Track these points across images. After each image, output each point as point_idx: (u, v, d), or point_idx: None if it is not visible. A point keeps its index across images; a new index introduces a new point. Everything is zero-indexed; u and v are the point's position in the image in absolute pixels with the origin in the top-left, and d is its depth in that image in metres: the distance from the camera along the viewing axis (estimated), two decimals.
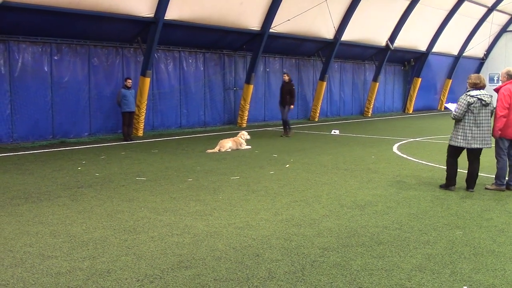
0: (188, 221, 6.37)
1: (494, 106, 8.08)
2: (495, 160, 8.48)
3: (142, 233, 5.85)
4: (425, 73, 30.15)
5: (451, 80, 32.90)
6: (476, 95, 7.94)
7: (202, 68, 19.41)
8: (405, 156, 12.26)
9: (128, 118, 15.26)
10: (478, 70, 35.05)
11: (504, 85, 8.23)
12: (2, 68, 14.06)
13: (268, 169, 10.31)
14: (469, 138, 8.03)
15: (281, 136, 16.13)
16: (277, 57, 22.49)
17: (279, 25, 19.85)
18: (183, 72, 18.72)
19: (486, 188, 8.41)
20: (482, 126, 7.98)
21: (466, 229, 6.11)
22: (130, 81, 15.24)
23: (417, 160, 11.52)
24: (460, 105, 8.04)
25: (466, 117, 8.03)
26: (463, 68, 33.09)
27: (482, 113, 7.94)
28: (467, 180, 8.31)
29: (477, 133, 7.98)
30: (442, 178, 9.12)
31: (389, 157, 12.02)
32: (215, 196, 7.79)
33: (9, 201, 7.44)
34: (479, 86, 8.08)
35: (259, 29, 19.50)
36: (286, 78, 16.61)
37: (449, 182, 8.36)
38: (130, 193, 8.00)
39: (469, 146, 8.06)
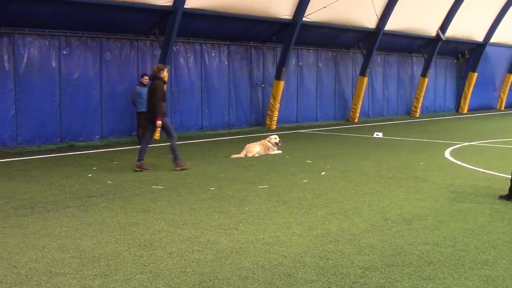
0: (210, 235, 6.39)
1: None
2: None
3: (159, 249, 5.89)
4: (482, 67, 29.68)
5: None
6: None
7: (226, 63, 19.51)
8: (459, 162, 12.07)
9: (144, 119, 15.37)
10: None
11: None
12: (6, 64, 14.41)
13: (301, 177, 10.28)
14: None
15: None
16: (311, 50, 22.45)
17: (313, 13, 19.81)
18: (205, 67, 18.86)
19: None
20: None
21: None
22: (146, 77, 15.32)
23: (473, 167, 11.33)
24: None
25: None
26: None
27: None
28: None
29: None
30: (502, 188, 8.94)
31: (440, 164, 11.85)
32: (241, 207, 7.81)
33: (13, 211, 7.61)
34: None
35: (290, 17, 19.50)
36: None
37: None
38: (146, 203, 8.08)
39: None
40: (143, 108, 15.17)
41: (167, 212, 7.51)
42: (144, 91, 15.21)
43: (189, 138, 16.88)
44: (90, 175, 10.52)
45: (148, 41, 17.27)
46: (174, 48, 17.36)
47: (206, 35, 18.62)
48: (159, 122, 11.01)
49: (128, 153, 13.66)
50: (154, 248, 5.90)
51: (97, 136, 16.18)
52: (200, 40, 18.61)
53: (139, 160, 11.10)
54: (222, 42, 19.30)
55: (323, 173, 10.69)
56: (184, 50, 18.30)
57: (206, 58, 18.90)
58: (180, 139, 16.54)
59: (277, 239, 6.25)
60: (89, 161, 12.40)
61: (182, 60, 18.24)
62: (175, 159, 11.19)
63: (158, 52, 17.08)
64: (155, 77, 11.19)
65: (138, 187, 9.26)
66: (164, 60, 16.49)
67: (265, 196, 8.56)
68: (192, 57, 18.50)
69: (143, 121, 15.13)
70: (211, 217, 7.25)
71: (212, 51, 19.07)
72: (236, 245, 6.02)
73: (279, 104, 20.43)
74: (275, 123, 20.51)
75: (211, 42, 18.96)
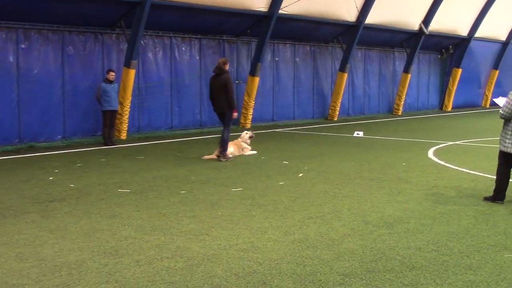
0: (180, 241, 6.38)
1: None
2: None
3: (125, 256, 5.86)
4: (466, 62, 30.12)
5: (498, 71, 32.82)
6: None
7: (197, 57, 19.47)
8: (443, 162, 12.24)
9: (110, 118, 15.32)
10: None
11: None
12: None
13: (277, 179, 10.31)
14: None
15: None
16: (288, 44, 22.52)
17: (290, 5, 19.89)
18: (175, 62, 18.79)
19: None
20: None
21: None
22: (113, 73, 15.34)
23: (457, 168, 11.49)
24: (509, 102, 8.03)
25: None
26: None
27: None
28: None
29: None
30: (487, 189, 9.10)
31: (423, 164, 12.00)
32: (213, 211, 7.80)
33: None
34: None
35: (266, 10, 19.55)
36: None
37: (497, 195, 8.35)
38: (111, 208, 8.03)
39: None
40: (109, 106, 15.16)
41: (134, 217, 7.46)
42: (110, 88, 15.19)
43: (158, 138, 16.81)
44: (51, 178, 10.41)
45: (114, 35, 17.14)
46: (142, 42, 17.25)
47: (176, 28, 18.55)
48: (235, 114, 12.61)
49: (92, 155, 13.54)
50: (120, 256, 5.87)
51: (59, 136, 16.00)
52: (169, 33, 18.53)
53: (223, 151, 12.49)
54: (193, 36, 19.25)
55: (301, 174, 10.73)
56: (153, 44, 18.21)
57: (176, 53, 18.83)
58: (148, 139, 16.52)
59: (252, 245, 6.26)
60: (50, 163, 12.26)
61: (150, 55, 18.14)
62: (223, 150, 12.51)
63: (124, 46, 16.96)
64: (222, 71, 12.33)
65: (103, 191, 9.20)
66: (131, 55, 16.38)
67: (239, 199, 8.57)
68: (161, 52, 18.42)
69: (109, 120, 15.09)
70: (181, 222, 7.23)
71: (183, 45, 19.01)
72: (208, 251, 6.01)
73: (254, 102, 20.46)
74: (250, 122, 20.53)
75: (181, 35, 18.89)
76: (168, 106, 18.68)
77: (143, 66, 17.86)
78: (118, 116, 16.26)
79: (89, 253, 5.96)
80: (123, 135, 16.68)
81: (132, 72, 16.64)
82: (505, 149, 8.18)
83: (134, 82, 17.03)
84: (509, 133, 8.13)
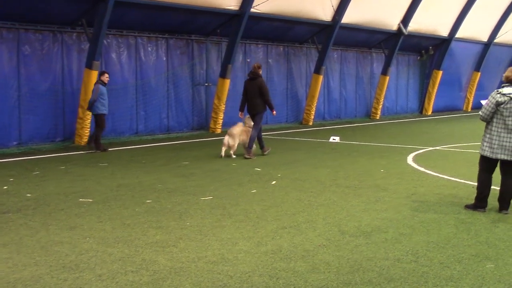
0: (146, 254, 6.34)
1: None
2: None
3: (86, 271, 5.80)
4: (447, 64, 30.55)
5: (479, 73, 33.36)
6: (510, 93, 8.04)
7: (164, 58, 19.42)
8: (422, 169, 12.38)
9: (105, 122, 15.29)
10: None
11: None
12: None
13: (248, 187, 10.32)
14: (495, 146, 8.16)
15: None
16: (260, 44, 22.60)
17: (262, 4, 19.96)
18: (140, 64, 18.71)
19: None
20: None
21: (499, 261, 6.18)
22: (108, 75, 15.46)
23: (437, 174, 11.64)
24: (487, 104, 8.18)
25: (495, 120, 8.17)
26: (495, 58, 33.59)
27: None
28: (499, 199, 8.42)
29: (507, 141, 8.08)
30: (468, 196, 9.23)
31: (402, 171, 12.12)
32: (181, 222, 7.78)
33: None
34: None
35: (237, 8, 19.59)
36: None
37: (479, 203, 8.46)
38: (72, 219, 7.95)
39: (494, 156, 8.20)
40: (105, 110, 15.09)
41: (96, 229, 7.40)
42: (106, 90, 15.17)
43: (122, 144, 16.69)
44: (5, 187, 10.27)
45: (75, 33, 17.01)
46: (104, 41, 17.15)
47: (142, 27, 18.49)
48: (275, 112, 14.57)
49: (51, 162, 13.40)
50: (81, 270, 5.81)
51: (14, 143, 15.79)
52: (134, 32, 18.47)
53: (249, 148, 13.94)
54: (160, 35, 19.20)
55: (274, 182, 10.76)
56: (117, 44, 18.12)
57: (142, 53, 18.75)
58: (112, 145, 16.40)
59: (222, 257, 6.25)
60: (4, 171, 12.09)
61: (114, 56, 18.04)
62: (249, 147, 13.96)
63: (86, 46, 16.84)
64: (256, 75, 14.18)
65: (63, 201, 9.10)
66: (93, 55, 16.26)
67: (208, 209, 8.55)
68: (125, 52, 18.33)
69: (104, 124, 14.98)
70: (147, 233, 7.19)
71: (149, 45, 18.95)
72: (175, 264, 5.99)
73: (224, 106, 20.45)
74: (220, 127, 20.51)
75: (147, 35, 18.83)
76: (133, 110, 18.58)
77: (106, 67, 17.73)
78: (79, 120, 16.13)
79: (46, 268, 5.88)
80: (85, 141, 16.51)
81: (95, 74, 16.49)
82: (483, 153, 8.33)
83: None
84: (487, 136, 8.27)
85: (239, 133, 14.15)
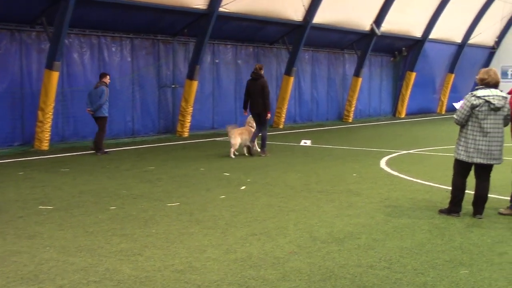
0: (109, 263, 6.29)
1: (508, 109, 8.29)
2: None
3: (46, 282, 5.73)
4: (421, 66, 30.90)
5: (453, 75, 33.82)
6: (484, 95, 8.17)
7: (129, 59, 19.30)
8: (396, 173, 12.50)
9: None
10: (487, 62, 36.18)
11: None
12: None
13: (217, 192, 10.31)
14: (471, 150, 8.27)
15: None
16: (229, 45, 22.59)
17: (231, 3, 19.97)
18: (104, 64, 18.56)
19: (499, 213, 8.64)
20: (490, 136, 8.20)
21: (474, 267, 6.27)
22: (109, 77, 15.84)
23: (411, 179, 11.76)
24: (462, 107, 8.30)
25: (470, 123, 8.28)
26: (468, 60, 34.08)
27: (490, 118, 8.17)
28: (474, 204, 8.54)
29: (482, 145, 8.21)
30: (442, 201, 9.35)
31: (375, 175, 12.22)
32: (146, 229, 7.73)
33: None
34: (488, 82, 8.31)
35: (205, 7, 19.56)
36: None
37: (453, 207, 8.57)
38: (31, 227, 7.85)
39: (469, 160, 8.32)
40: (107, 112, 15.55)
41: (57, 237, 7.32)
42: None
43: (85, 149, 16.51)
44: None
45: (34, 33, 16.81)
46: (66, 41, 16.98)
47: (105, 26, 18.35)
48: (269, 115, 15.16)
49: (8, 167, 13.22)
50: (40, 281, 5.74)
51: None
52: (98, 32, 18.31)
53: (263, 147, 15.15)
54: (125, 35, 19.07)
55: (243, 187, 10.76)
56: (79, 43, 17.95)
57: (105, 54, 18.61)
58: (74, 149, 16.24)
59: (189, 265, 6.23)
60: None
61: (76, 56, 17.87)
62: (263, 146, 15.19)
63: (46, 46, 16.64)
64: (259, 76, 15.11)
65: (22, 208, 8.98)
66: (54, 55, 16.08)
67: (175, 215, 8.52)
68: (88, 52, 18.17)
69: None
70: (110, 241, 7.14)
71: (113, 45, 18.81)
72: (140, 273, 5.96)
73: (192, 108, 20.39)
74: (188, 130, 20.45)
75: (111, 34, 18.69)
76: None
77: (67, 68, 17.57)
78: (39, 124, 15.95)
79: (3, 279, 5.80)
80: (45, 145, 16.33)
81: (55, 75, 16.33)
82: (458, 157, 8.44)
83: (58, 86, 16.72)
84: (463, 139, 8.38)
85: (239, 132, 15.10)
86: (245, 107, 15.54)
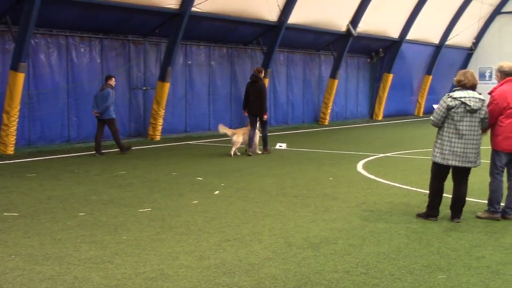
0: (78, 271, 6.25)
1: (485, 112, 8.40)
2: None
3: None
4: (398, 67, 31.16)
5: (431, 77, 34.17)
6: (461, 97, 8.28)
7: (98, 60, 19.19)
8: (372, 177, 12.58)
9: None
10: (465, 63, 36.63)
11: (499, 86, 8.59)
12: None
13: (190, 197, 10.29)
14: (446, 152, 8.38)
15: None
16: (202, 46, 22.58)
17: (204, 3, 19.96)
18: (72, 65, 18.44)
19: (477, 217, 8.75)
20: (466, 138, 8.31)
21: (451, 271, 6.34)
22: (114, 79, 16.52)
23: (388, 182, 11.85)
24: (438, 108, 8.42)
25: (446, 125, 8.39)
26: (446, 61, 34.47)
27: (466, 120, 8.28)
28: (451, 207, 8.64)
29: (458, 147, 8.32)
30: (420, 205, 9.43)
31: (352, 179, 12.30)
32: (116, 236, 7.70)
33: None
34: (464, 84, 8.42)
35: (177, 7, 19.53)
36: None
37: (430, 211, 8.66)
38: None
39: (445, 163, 8.43)
40: (114, 114, 16.36)
41: (23, 245, 7.25)
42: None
43: (52, 153, 16.40)
44: None
45: None
46: (32, 41, 16.83)
47: (74, 26, 18.23)
48: (266, 116, 16.29)
49: None
50: None
51: None
52: (65, 32, 18.19)
53: (265, 146, 16.37)
54: (94, 35, 18.97)
55: (217, 192, 10.76)
56: (46, 44, 17.81)
57: (74, 55, 18.49)
58: (41, 154, 16.11)
59: (161, 272, 6.22)
60: None
61: (42, 57, 17.73)
62: (265, 145, 16.37)
63: (11, 46, 16.49)
64: (257, 78, 16.29)
65: None
66: (19, 56, 15.93)
67: (146, 221, 8.49)
68: (55, 53, 18.03)
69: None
70: (79, 249, 7.09)
71: (81, 46, 18.69)
72: (110, 282, 5.93)
73: (164, 111, 20.33)
74: (160, 134, 20.40)
75: (79, 35, 18.57)
76: (65, 116, 18.28)
77: (34, 69, 17.42)
78: (4, 127, 15.79)
79: None
80: (10, 150, 16.16)
81: (21, 76, 16.18)
82: (434, 159, 8.55)
83: (24, 87, 16.57)
84: (439, 141, 8.49)
85: (243, 132, 16.24)
86: (244, 108, 16.65)
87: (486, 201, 8.91)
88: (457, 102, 8.27)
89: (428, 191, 8.85)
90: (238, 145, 15.95)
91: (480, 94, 8.44)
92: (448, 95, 8.42)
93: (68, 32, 18.25)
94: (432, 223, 8.45)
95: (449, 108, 8.30)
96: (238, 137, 15.97)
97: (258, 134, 16.41)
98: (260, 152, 16.37)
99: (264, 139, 16.37)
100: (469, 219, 8.65)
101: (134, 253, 6.92)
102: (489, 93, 8.70)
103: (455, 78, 8.57)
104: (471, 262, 6.67)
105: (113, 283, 5.88)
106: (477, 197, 10.07)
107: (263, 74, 16.42)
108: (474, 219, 8.68)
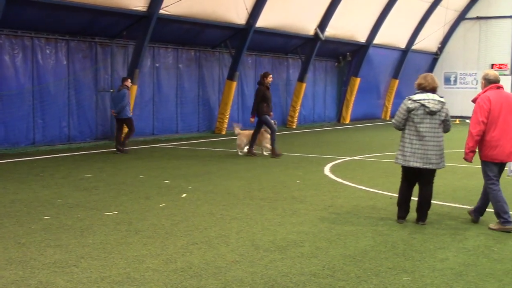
0: (43, 276, 6.19)
1: (446, 114, 8.50)
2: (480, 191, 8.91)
3: None
4: (365, 71, 31.47)
5: (397, 81, 34.55)
6: (420, 99, 8.45)
7: (65, 62, 19.01)
8: (339, 180, 12.68)
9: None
10: (431, 68, 37.13)
11: (483, 92, 8.54)
12: None
13: (157, 200, 10.26)
14: (407, 153, 8.52)
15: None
16: (170, 48, 22.52)
17: (172, 5, 19.93)
18: (38, 67, 18.24)
19: (489, 228, 8.45)
20: (426, 140, 8.43)
21: (416, 273, 6.42)
22: (130, 80, 17.79)
23: (355, 185, 11.94)
24: (399, 111, 8.57)
25: (407, 127, 8.56)
26: (413, 65, 34.88)
27: (426, 122, 8.42)
28: (417, 210, 8.75)
29: (419, 148, 8.45)
30: (386, 207, 9.55)
31: (319, 182, 12.37)
32: (82, 239, 7.64)
33: None
34: (425, 87, 8.57)
35: (145, 9, 19.47)
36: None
37: (398, 213, 8.77)
38: None
39: (406, 164, 8.56)
40: (130, 113, 17.45)
41: None
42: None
43: (17, 156, 16.20)
44: None
45: None
46: None
47: (39, 27, 18.05)
48: (252, 120, 16.64)
49: None
50: None
51: None
52: (31, 33, 17.99)
53: (273, 148, 16.45)
54: (60, 37, 18.79)
55: (184, 195, 10.74)
56: (10, 45, 17.58)
57: (39, 56, 18.29)
58: (5, 156, 15.90)
59: (127, 276, 6.19)
60: None
61: (7, 58, 17.49)
62: (272, 148, 16.44)
63: None
64: (259, 83, 16.79)
65: None
66: None
67: (113, 224, 8.44)
68: (20, 55, 17.81)
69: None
70: (44, 253, 7.02)
71: (47, 47, 18.51)
72: (76, 286, 5.89)
73: (131, 113, 20.19)
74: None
75: (45, 36, 18.39)
76: (30, 118, 18.06)
77: None
78: None
79: None
80: None
81: None
82: (396, 161, 8.71)
83: None
84: (401, 143, 8.63)
85: (246, 133, 16.96)
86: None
87: (451, 204, 9.00)
88: (416, 104, 8.44)
89: (394, 194, 8.95)
90: (242, 147, 16.77)
91: (441, 97, 8.57)
92: (409, 98, 8.59)
93: (33, 33, 18.05)
94: (398, 226, 8.54)
95: (409, 111, 8.47)
96: (239, 139, 16.86)
97: (265, 135, 16.61)
98: (260, 153, 16.76)
99: (272, 142, 16.47)
100: (433, 222, 8.76)
101: (100, 256, 6.88)
102: (473, 101, 8.59)
103: (416, 82, 8.71)
104: (436, 264, 6.76)
105: (78, 287, 5.84)
106: (442, 199, 10.22)
107: (267, 78, 16.53)
108: (439, 222, 8.80)
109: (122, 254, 6.97)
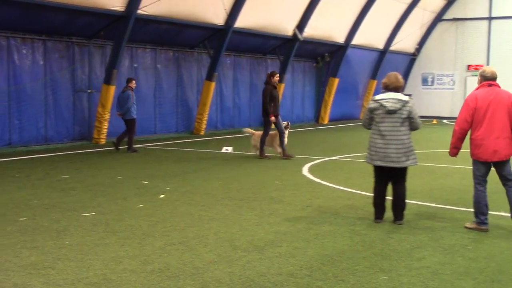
0: (18, 278, 6.14)
1: (409, 112, 8.51)
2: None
3: None
4: (343, 71, 31.60)
5: (376, 81, 34.74)
6: (380, 99, 8.58)
7: (41, 62, 18.88)
8: (317, 180, 12.71)
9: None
10: (408, 69, 37.40)
11: (475, 90, 8.46)
12: None
13: (134, 201, 10.22)
14: (372, 152, 8.66)
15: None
16: (148, 48, 22.46)
17: (150, 5, 19.87)
18: (14, 67, 18.10)
19: (465, 227, 8.51)
20: (387, 139, 8.51)
21: (393, 272, 6.46)
22: (135, 82, 18.03)
23: (333, 186, 11.99)
24: (365, 112, 8.67)
25: (373, 127, 8.72)
26: (391, 66, 34.88)
27: (386, 121, 8.52)
28: (392, 209, 8.80)
29: (380, 147, 8.56)
30: (363, 207, 9.59)
31: (297, 182, 12.39)
32: (59, 241, 7.59)
33: None
34: (387, 86, 8.69)
35: (122, 9, 19.38)
36: None
37: (375, 214, 8.82)
38: None
39: (372, 163, 8.71)
40: (136, 114, 17.64)
41: None
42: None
43: None
44: None
45: None
46: None
47: (15, 27, 17.91)
48: (272, 118, 15.92)
49: None
50: None
51: None
52: (6, 33, 17.84)
53: (284, 151, 16.24)
54: (37, 37, 18.66)
55: (162, 196, 10.71)
56: None
57: (15, 56, 18.14)
58: None
59: (104, 277, 6.16)
60: None
61: None
62: (283, 149, 16.25)
63: None
64: (265, 82, 16.29)
65: None
66: None
67: (90, 226, 8.39)
68: None
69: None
70: (20, 254, 6.96)
71: (23, 47, 18.36)
72: None
73: (109, 114, 20.13)
74: (105, 137, 20.16)
75: (21, 36, 18.24)
76: (6, 119, 17.91)
77: None
78: None
79: None
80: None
81: None
82: (365, 160, 8.82)
83: None
84: (368, 143, 8.74)
85: (257, 134, 16.88)
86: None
87: (431, 204, 9.06)
88: (376, 104, 8.57)
89: (371, 194, 9.01)
90: (256, 147, 16.61)
91: (408, 95, 8.65)
92: (372, 98, 8.70)
93: (9, 33, 17.90)
94: (375, 225, 8.59)
95: (371, 111, 8.60)
96: (254, 140, 16.85)
97: (273, 136, 16.47)
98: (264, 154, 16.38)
99: (281, 143, 16.35)
100: (410, 221, 8.81)
101: (76, 258, 6.84)
102: None
103: (382, 81, 8.82)
104: (412, 263, 6.81)
105: None
106: (419, 199, 10.29)
107: (274, 78, 16.03)
108: (416, 221, 8.86)
109: (99, 256, 6.93)
